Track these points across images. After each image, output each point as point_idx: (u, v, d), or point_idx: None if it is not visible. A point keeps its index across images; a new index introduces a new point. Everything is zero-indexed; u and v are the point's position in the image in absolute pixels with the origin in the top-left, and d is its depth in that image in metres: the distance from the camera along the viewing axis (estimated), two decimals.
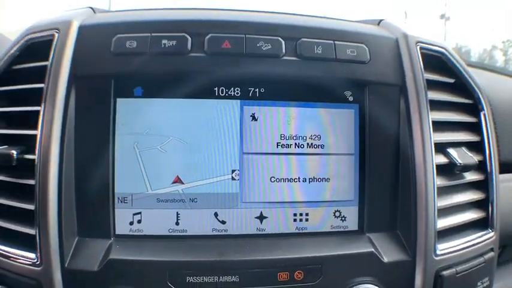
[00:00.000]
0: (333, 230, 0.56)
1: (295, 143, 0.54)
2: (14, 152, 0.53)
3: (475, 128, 0.63)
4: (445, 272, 0.56)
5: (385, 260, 0.53)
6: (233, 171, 0.54)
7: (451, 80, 0.62)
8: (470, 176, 0.61)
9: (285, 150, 0.54)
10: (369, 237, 0.55)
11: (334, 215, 0.56)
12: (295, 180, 0.55)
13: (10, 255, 0.53)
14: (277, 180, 0.54)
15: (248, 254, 0.51)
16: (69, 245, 0.51)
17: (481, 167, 0.61)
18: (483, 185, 0.62)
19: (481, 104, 0.62)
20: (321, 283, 0.51)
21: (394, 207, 0.56)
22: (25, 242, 0.53)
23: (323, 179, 0.55)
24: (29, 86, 0.56)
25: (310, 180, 0.55)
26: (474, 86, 0.62)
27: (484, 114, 0.62)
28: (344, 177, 0.55)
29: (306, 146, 0.55)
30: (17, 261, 0.53)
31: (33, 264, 0.51)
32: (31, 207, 0.52)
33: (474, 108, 0.63)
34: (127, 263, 0.50)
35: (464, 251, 0.58)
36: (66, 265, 0.50)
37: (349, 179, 0.56)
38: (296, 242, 0.54)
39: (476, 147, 0.62)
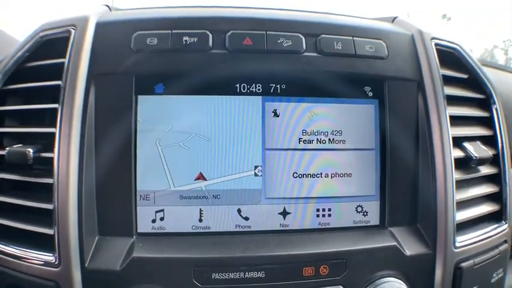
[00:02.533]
0: (355, 225, 0.56)
1: (317, 139, 0.55)
2: (31, 150, 0.52)
3: (487, 122, 0.64)
4: (464, 264, 0.57)
5: (407, 253, 0.54)
6: (256, 167, 0.54)
7: (465, 76, 0.63)
8: (485, 170, 0.62)
9: (307, 145, 0.55)
10: (391, 232, 0.55)
11: (356, 210, 0.56)
12: (318, 175, 0.55)
13: (25, 256, 0.52)
14: (300, 175, 0.54)
15: (272, 250, 0.51)
16: (89, 244, 0.51)
17: (494, 160, 0.63)
18: (497, 179, 0.63)
19: (493, 99, 0.64)
20: (346, 277, 0.52)
21: (414, 201, 0.57)
22: (40, 243, 0.52)
23: (345, 174, 0.55)
24: (46, 84, 0.55)
25: (333, 175, 0.55)
26: (486, 81, 0.64)
27: (496, 109, 0.63)
28: (365, 172, 0.56)
29: (327, 141, 0.55)
30: (32, 263, 0.51)
31: (51, 265, 0.50)
32: (49, 206, 0.51)
33: (486, 103, 0.64)
34: (151, 261, 0.49)
35: (481, 243, 0.59)
36: (86, 265, 0.50)
37: (370, 174, 0.56)
38: (320, 237, 0.54)
39: (490, 141, 0.63)
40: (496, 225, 0.61)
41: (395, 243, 0.54)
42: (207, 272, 0.49)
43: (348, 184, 0.56)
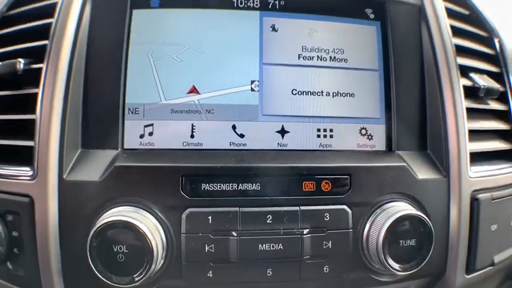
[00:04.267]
0: (360, 148, 0.52)
1: (318, 56, 0.52)
2: (21, 61, 0.50)
3: (493, 59, 0.62)
4: (480, 196, 0.52)
5: (419, 176, 0.49)
6: (252, 82, 0.51)
7: (466, 12, 0.62)
8: (494, 104, 0.59)
9: (306, 62, 0.52)
10: (399, 155, 0.51)
11: (360, 132, 0.52)
12: (318, 93, 0.51)
13: (2, 173, 0.48)
14: (299, 93, 0.51)
15: (269, 162, 0.47)
16: (70, 156, 0.46)
17: (503, 97, 0.60)
18: (507, 117, 0.60)
19: (495, 33, 0.62)
20: (350, 197, 0.47)
21: (422, 126, 0.53)
22: (22, 160, 0.47)
23: (347, 94, 0.52)
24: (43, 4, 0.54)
25: (334, 94, 0.52)
26: (486, 17, 0.62)
27: (499, 42, 0.61)
28: (369, 94, 0.53)
29: (328, 59, 0.52)
30: (8, 178, 0.47)
31: (28, 179, 0.46)
32: (32, 116, 0.47)
33: (490, 41, 0.62)
34: (135, 170, 0.45)
35: (496, 177, 0.54)
36: (64, 176, 0.45)
37: (374, 96, 0.53)
38: (321, 155, 0.50)
39: (498, 79, 0.61)
40: (510, 164, 0.57)
41: (405, 164, 0.49)
42: (197, 182, 0.45)
43: (351, 104, 0.52)
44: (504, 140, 0.59)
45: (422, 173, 0.50)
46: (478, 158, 0.54)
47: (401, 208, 0.46)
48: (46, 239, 0.45)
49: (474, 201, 0.51)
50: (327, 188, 0.46)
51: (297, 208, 0.45)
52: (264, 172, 0.46)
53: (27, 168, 0.47)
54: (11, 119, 0.50)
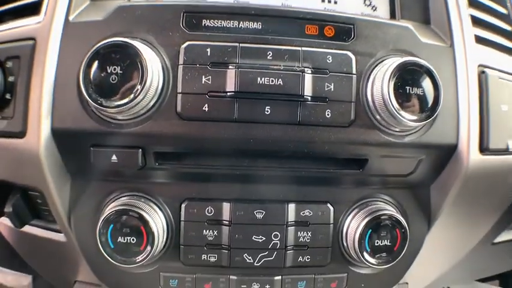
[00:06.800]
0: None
1: None
2: None
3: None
4: (488, 70, 0.50)
5: (422, 40, 0.48)
6: None
7: None
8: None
9: None
10: (403, 22, 0.50)
11: (365, 3, 0.52)
12: None
13: (14, 25, 0.48)
14: None
15: (272, 7, 0.46)
16: (78, 4, 0.46)
17: None
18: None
19: None
20: (354, 44, 0.45)
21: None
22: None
23: None
24: None
25: None
26: None
27: None
28: None
29: None
30: (18, 28, 0.47)
31: (34, 23, 0.46)
32: None
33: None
34: (138, 8, 0.44)
35: (501, 61, 0.53)
36: (70, 18, 0.45)
37: None
38: (325, 11, 0.49)
39: None
40: None
41: (408, 26, 0.48)
42: (198, 18, 0.44)
43: None
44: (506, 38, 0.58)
45: (426, 39, 0.49)
46: (482, 41, 0.53)
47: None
48: (41, 83, 0.44)
49: (482, 75, 0.50)
50: (330, 34, 0.45)
51: (298, 48, 0.44)
52: (266, 13, 0.45)
53: (36, 17, 0.47)
54: None
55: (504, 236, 0.71)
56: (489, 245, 0.70)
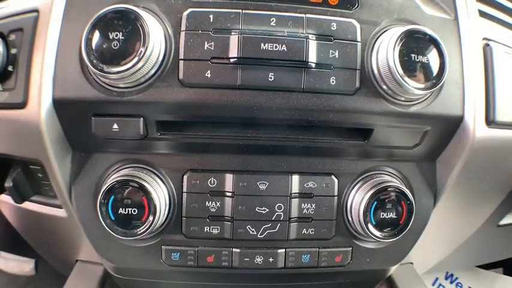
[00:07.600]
0: None
1: None
2: None
3: None
4: (492, 43, 0.49)
5: (427, 11, 0.47)
6: None
7: None
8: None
9: None
10: None
11: None
12: None
13: None
14: None
15: None
16: None
17: None
18: None
19: None
20: (358, 13, 0.45)
21: None
22: None
23: None
24: None
25: None
26: None
27: None
28: None
29: None
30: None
31: None
32: None
33: None
34: None
35: (506, 38, 0.52)
36: None
37: None
38: None
39: None
40: None
41: None
42: None
43: None
44: None
45: (431, 10, 0.48)
46: (485, 16, 0.52)
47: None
48: (43, 53, 0.44)
49: (486, 47, 0.49)
50: (334, 2, 0.45)
51: (302, 15, 0.43)
52: None
53: None
54: None
55: (510, 219, 0.71)
56: (494, 227, 0.69)
